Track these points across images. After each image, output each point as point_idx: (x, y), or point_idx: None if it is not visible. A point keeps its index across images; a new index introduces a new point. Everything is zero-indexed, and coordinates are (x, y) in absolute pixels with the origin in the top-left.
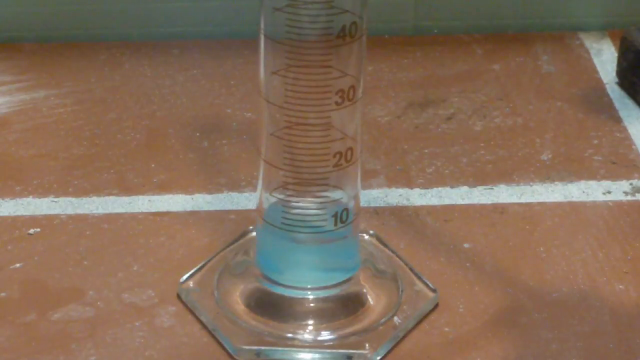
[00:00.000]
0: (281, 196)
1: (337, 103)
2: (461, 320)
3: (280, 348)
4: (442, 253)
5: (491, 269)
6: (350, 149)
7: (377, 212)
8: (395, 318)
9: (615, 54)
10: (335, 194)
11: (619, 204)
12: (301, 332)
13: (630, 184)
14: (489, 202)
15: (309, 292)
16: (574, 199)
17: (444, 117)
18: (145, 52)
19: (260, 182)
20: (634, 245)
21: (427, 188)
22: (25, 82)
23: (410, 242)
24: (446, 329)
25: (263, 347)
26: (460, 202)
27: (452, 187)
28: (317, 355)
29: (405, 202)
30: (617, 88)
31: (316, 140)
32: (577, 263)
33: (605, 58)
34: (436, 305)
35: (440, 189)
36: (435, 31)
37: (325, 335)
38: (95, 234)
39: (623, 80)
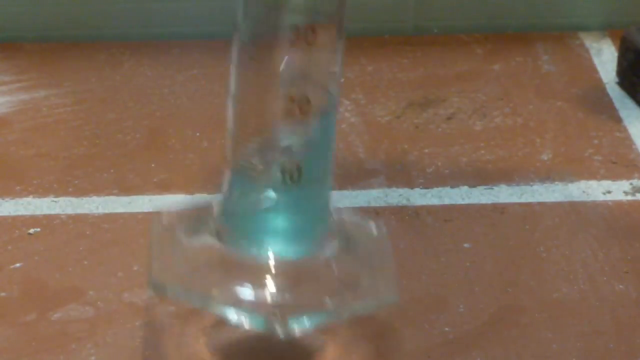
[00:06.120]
0: (235, 137)
1: (290, 41)
2: (461, 320)
3: (194, 293)
4: (442, 253)
5: (491, 269)
6: (307, 99)
7: (377, 212)
8: (329, 300)
9: (616, 54)
10: (284, 146)
11: (619, 204)
12: (229, 288)
13: (630, 184)
14: (489, 202)
15: (263, 252)
16: (574, 199)
17: (444, 117)
18: (145, 52)
19: (228, 122)
20: (634, 245)
21: (427, 188)
22: (26, 82)
23: (410, 242)
24: (446, 329)
25: (177, 286)
26: (460, 202)
27: (452, 187)
28: (226, 311)
29: (405, 202)
30: (617, 88)
31: (266, 75)
32: (577, 263)
33: (605, 58)
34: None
35: (440, 189)
36: (435, 31)
37: (249, 295)
38: (95, 234)
39: (623, 80)
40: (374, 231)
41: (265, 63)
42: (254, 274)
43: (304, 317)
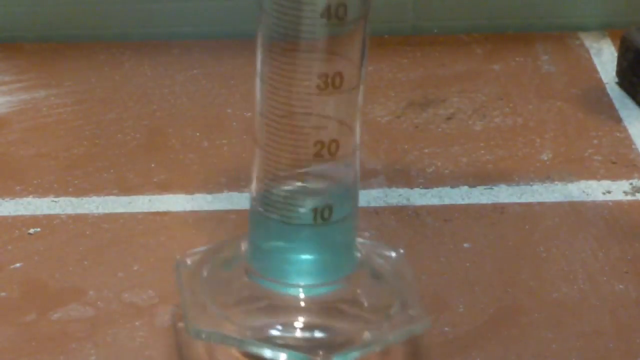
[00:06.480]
0: (264, 181)
1: (319, 87)
2: (461, 320)
3: (235, 336)
4: (442, 253)
5: (491, 269)
6: (335, 141)
7: (377, 212)
8: (367, 334)
9: (615, 54)
10: (315, 187)
11: (619, 204)
12: (269, 328)
13: (630, 184)
14: (489, 202)
15: (294, 289)
16: (574, 199)
17: (444, 117)
18: (145, 52)
19: (253, 164)
20: (634, 245)
21: (427, 188)
22: (26, 82)
23: (410, 242)
24: (446, 329)
25: (211, 330)
26: (460, 202)
27: (452, 187)
28: (267, 352)
29: (405, 202)
30: (617, 88)
31: (295, 124)
32: (577, 263)
33: (605, 58)
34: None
35: (440, 189)
36: (435, 31)
37: (288, 334)
38: (95, 234)
39: (623, 80)
40: (394, 257)
41: (293, 110)
42: (289, 312)
43: (346, 353)
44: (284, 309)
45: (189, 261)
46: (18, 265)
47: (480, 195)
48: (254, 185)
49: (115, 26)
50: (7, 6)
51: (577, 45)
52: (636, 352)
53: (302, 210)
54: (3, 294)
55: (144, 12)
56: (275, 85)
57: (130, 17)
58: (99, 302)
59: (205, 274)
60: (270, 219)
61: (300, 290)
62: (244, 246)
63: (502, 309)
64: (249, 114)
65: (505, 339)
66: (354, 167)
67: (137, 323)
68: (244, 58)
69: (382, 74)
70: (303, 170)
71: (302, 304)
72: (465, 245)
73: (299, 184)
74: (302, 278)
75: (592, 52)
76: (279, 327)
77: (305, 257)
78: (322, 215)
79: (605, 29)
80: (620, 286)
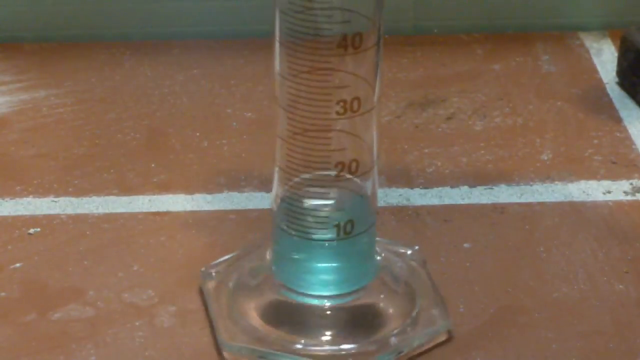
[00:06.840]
0: (287, 200)
1: (338, 113)
2: (461, 320)
3: (265, 350)
4: (442, 253)
5: (491, 269)
6: (355, 161)
7: (377, 212)
8: (393, 339)
9: (616, 54)
10: (337, 204)
11: (619, 204)
12: (297, 339)
13: (630, 184)
14: (489, 202)
15: (320, 300)
16: (574, 199)
17: (444, 117)
18: (145, 52)
19: (274, 183)
20: (634, 245)
21: (427, 188)
22: (26, 82)
23: (410, 242)
24: None
25: (246, 345)
26: (460, 202)
27: (452, 187)
28: None
29: (405, 202)
30: (617, 88)
31: (316, 148)
32: (577, 263)
33: (605, 58)
34: (448, 337)
35: (440, 189)
36: (435, 31)
37: (316, 346)
38: (95, 234)
39: (623, 80)
40: (410, 254)
41: (314, 135)
42: (316, 323)
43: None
44: (311, 320)
45: (213, 272)
46: (18, 265)
47: (480, 195)
48: (275, 202)
49: (115, 26)
50: (7, 6)
51: (577, 45)
52: (636, 352)
53: (324, 226)
54: (3, 294)
55: (144, 12)
56: (295, 112)
57: (130, 17)
58: (99, 302)
59: (231, 285)
60: (293, 235)
61: (325, 301)
62: (268, 255)
63: (502, 309)
64: (249, 114)
65: (505, 339)
66: (373, 180)
67: (137, 323)
68: (244, 58)
69: (382, 74)
70: (324, 189)
71: (328, 313)
72: (465, 245)
73: (321, 202)
74: (326, 289)
75: (592, 52)
76: (307, 339)
77: (329, 269)
78: (344, 229)
79: (605, 29)
80: (620, 286)
